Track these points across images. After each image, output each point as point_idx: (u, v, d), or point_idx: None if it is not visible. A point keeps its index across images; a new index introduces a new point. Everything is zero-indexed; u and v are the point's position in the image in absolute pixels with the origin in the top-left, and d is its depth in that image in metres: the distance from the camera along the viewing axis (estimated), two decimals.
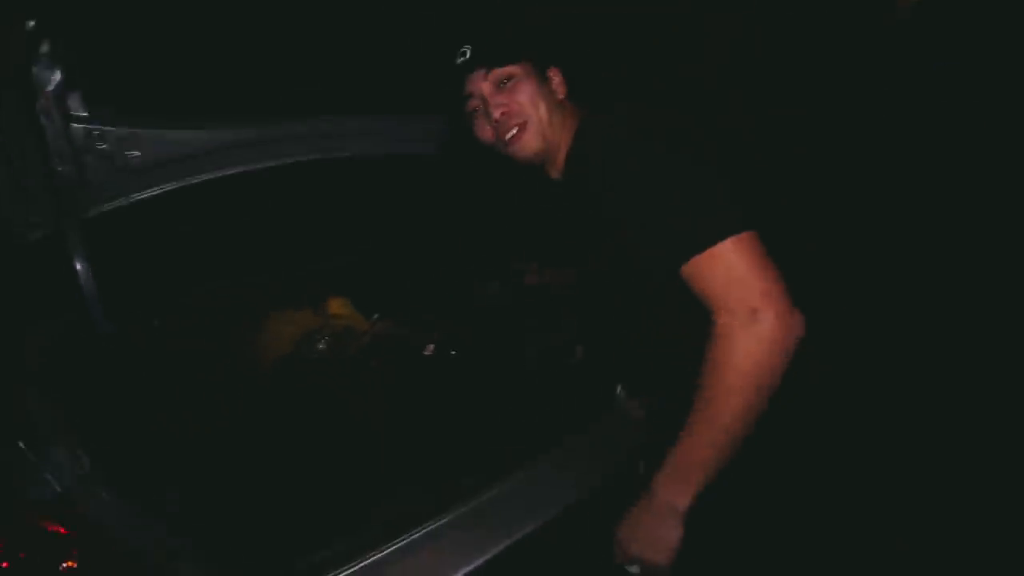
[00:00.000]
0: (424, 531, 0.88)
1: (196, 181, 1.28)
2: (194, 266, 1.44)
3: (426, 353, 1.52)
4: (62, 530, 0.75)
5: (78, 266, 1.04)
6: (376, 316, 1.70)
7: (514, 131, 0.97)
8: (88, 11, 1.16)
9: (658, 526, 0.83)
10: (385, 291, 1.73)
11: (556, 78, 1.02)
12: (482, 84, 0.96)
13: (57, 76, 1.08)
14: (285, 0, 1.46)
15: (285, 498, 1.04)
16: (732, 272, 0.76)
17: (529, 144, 0.98)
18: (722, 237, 0.76)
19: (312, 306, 1.72)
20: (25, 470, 0.80)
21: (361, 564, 0.83)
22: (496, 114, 0.96)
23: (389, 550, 0.85)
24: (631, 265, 0.91)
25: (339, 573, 0.82)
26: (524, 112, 0.96)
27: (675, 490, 0.82)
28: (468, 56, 0.96)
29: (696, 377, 0.80)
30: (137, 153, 1.22)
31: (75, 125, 1.14)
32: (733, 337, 0.76)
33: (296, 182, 1.49)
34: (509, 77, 0.97)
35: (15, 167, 1.10)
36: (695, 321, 0.80)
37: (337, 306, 1.75)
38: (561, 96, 1.02)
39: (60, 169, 1.11)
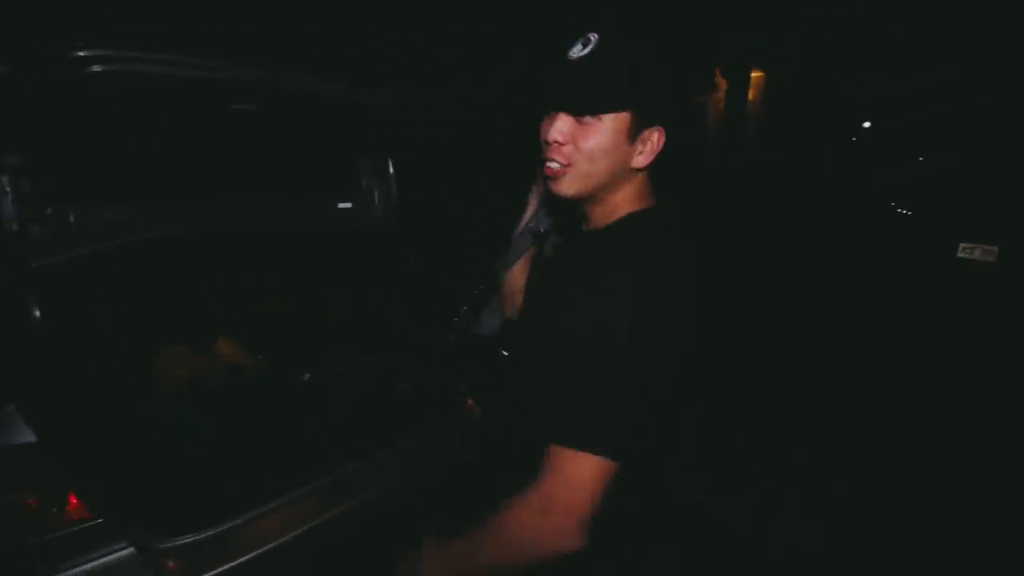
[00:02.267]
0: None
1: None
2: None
3: (304, 379, 1.95)
4: None
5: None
6: (261, 357, 2.08)
7: (555, 166, 0.88)
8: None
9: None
10: (270, 332, 2.10)
11: (650, 144, 0.87)
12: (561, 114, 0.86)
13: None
14: None
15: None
16: (572, 477, 0.78)
17: (561, 186, 0.88)
18: (594, 449, 0.77)
19: (202, 347, 2.04)
20: None
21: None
22: (548, 138, 0.87)
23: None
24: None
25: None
26: (576, 160, 0.86)
27: (452, 560, 0.92)
28: (591, 49, 0.82)
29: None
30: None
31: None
32: (525, 507, 0.81)
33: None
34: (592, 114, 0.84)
35: None
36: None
37: (226, 346, 2.09)
38: (642, 164, 0.88)
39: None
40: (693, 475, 2.49)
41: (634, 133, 0.85)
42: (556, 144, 0.86)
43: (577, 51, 0.83)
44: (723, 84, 9.38)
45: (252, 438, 1.62)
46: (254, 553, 1.32)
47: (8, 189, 1.38)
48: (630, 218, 0.91)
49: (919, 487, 2.37)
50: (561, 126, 0.85)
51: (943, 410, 2.96)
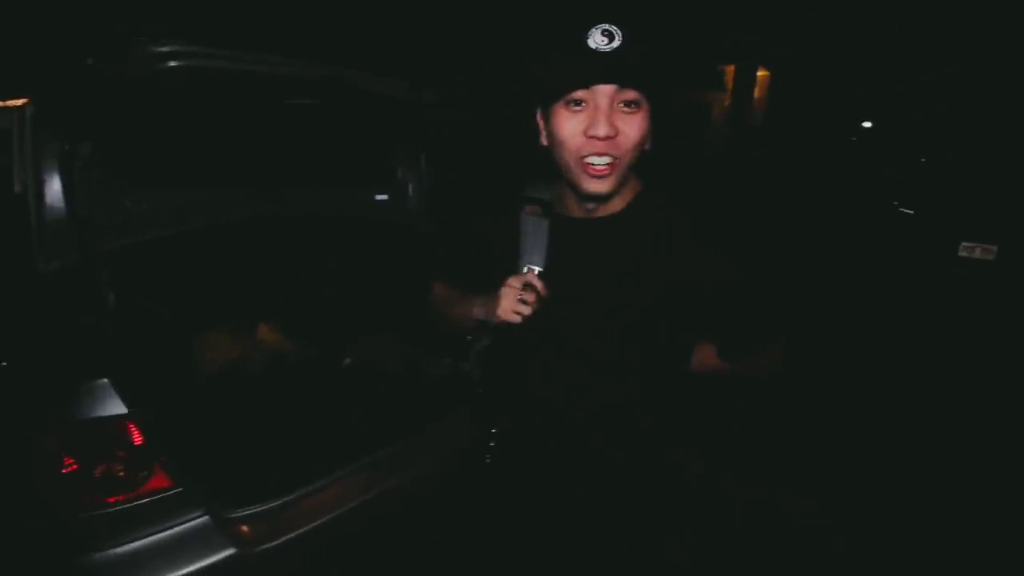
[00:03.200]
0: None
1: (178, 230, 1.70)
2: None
3: (345, 363, 2.03)
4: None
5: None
6: (299, 342, 2.15)
7: (606, 164, 0.85)
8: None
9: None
10: (310, 317, 2.18)
11: (648, 128, 0.87)
12: (608, 97, 0.82)
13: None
14: None
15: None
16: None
17: (604, 187, 0.88)
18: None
19: (244, 330, 2.12)
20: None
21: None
22: (601, 133, 0.82)
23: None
24: (646, 316, 0.94)
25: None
26: (627, 150, 0.85)
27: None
28: (618, 45, 0.80)
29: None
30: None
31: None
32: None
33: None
34: (636, 102, 0.83)
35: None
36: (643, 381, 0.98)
37: (266, 331, 2.17)
38: (649, 147, 0.90)
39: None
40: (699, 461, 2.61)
41: (651, 117, 0.87)
42: (607, 139, 0.83)
43: (604, 44, 0.80)
44: (729, 84, 9.48)
45: (304, 420, 1.71)
46: (313, 524, 1.41)
47: (80, 177, 1.45)
48: (643, 196, 0.97)
49: (918, 479, 2.46)
50: (611, 120, 0.82)
51: (942, 404, 3.07)
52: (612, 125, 0.82)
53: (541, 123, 0.93)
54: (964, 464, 2.54)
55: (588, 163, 0.86)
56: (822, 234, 5.76)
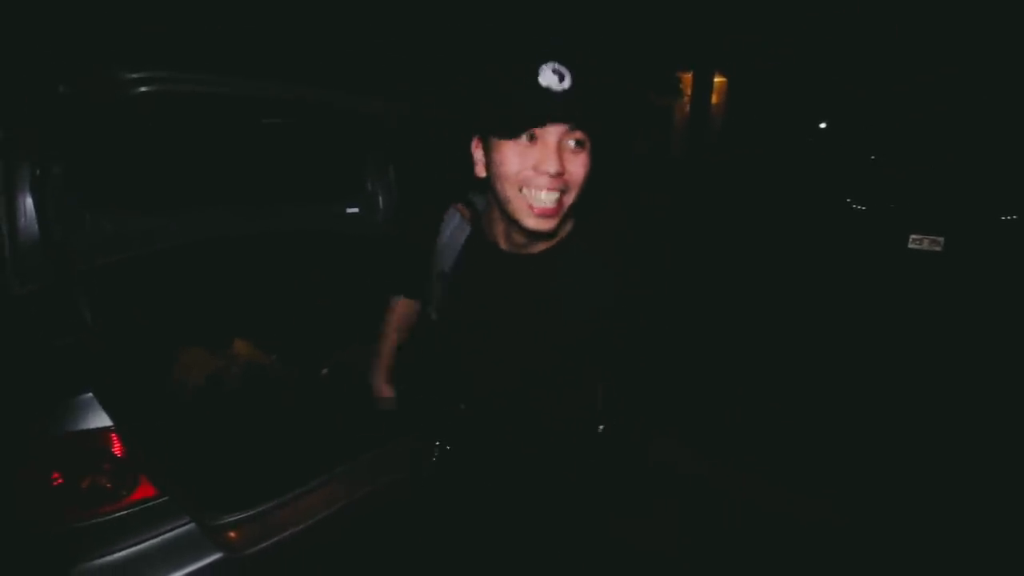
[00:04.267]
0: None
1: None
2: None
3: (323, 373, 2.08)
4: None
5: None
6: (275, 356, 2.19)
7: (554, 203, 0.85)
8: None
9: None
10: (286, 330, 2.21)
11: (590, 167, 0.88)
12: (557, 136, 0.83)
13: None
14: None
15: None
16: None
17: (552, 224, 0.87)
18: None
19: (221, 345, 2.14)
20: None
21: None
22: (552, 170, 0.82)
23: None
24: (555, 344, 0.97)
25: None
26: (573, 187, 0.86)
27: None
28: (568, 86, 0.80)
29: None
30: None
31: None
32: None
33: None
34: (582, 142, 0.85)
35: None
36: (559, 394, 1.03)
37: (241, 346, 2.19)
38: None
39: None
40: (690, 449, 2.72)
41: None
42: (557, 176, 0.83)
43: (556, 83, 0.80)
44: (687, 89, 9.80)
45: (284, 429, 1.75)
46: (297, 528, 1.46)
47: (53, 198, 1.48)
48: (574, 233, 0.98)
49: (883, 470, 2.57)
50: (558, 155, 0.83)
51: (899, 392, 3.24)
52: (561, 163, 0.83)
53: (479, 153, 0.91)
54: (928, 453, 2.64)
55: (535, 201, 0.85)
56: (783, 233, 6.00)
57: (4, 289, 1.46)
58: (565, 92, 0.81)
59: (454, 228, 1.05)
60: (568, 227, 0.97)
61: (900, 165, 5.38)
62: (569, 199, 0.87)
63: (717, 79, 9.97)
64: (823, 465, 2.59)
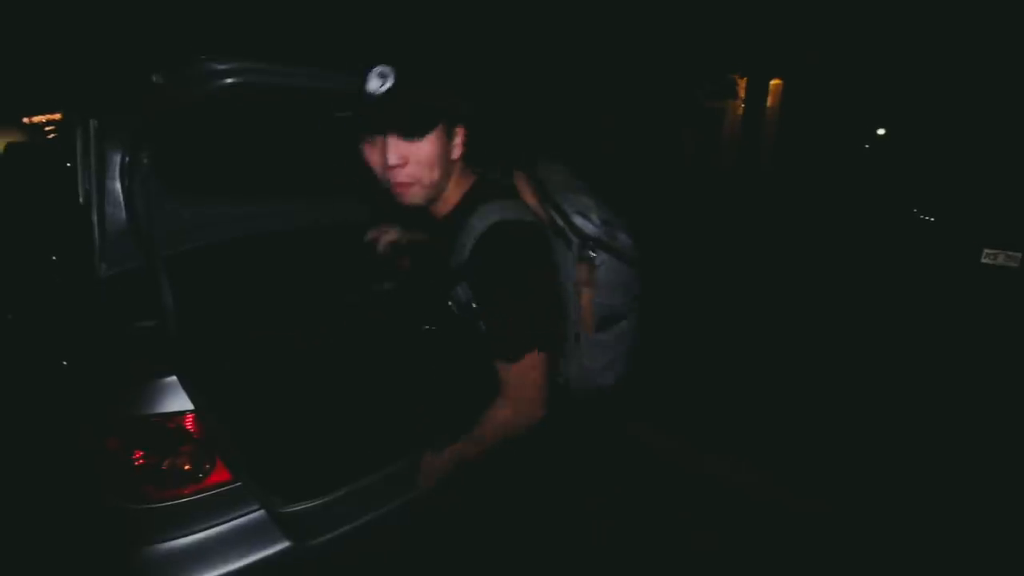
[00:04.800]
0: None
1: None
2: None
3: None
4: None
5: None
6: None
7: (405, 177, 0.96)
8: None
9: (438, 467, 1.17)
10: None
11: (459, 138, 1.02)
12: (391, 140, 0.94)
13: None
14: None
15: None
16: (522, 374, 0.99)
17: (413, 198, 1.00)
18: (530, 351, 0.97)
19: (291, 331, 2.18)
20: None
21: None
22: (390, 163, 0.94)
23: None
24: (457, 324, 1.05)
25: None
26: (418, 176, 0.96)
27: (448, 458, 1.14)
28: (389, 87, 0.89)
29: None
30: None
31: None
32: (499, 409, 1.03)
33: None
34: (413, 135, 0.95)
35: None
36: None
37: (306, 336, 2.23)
38: (459, 155, 1.03)
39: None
40: (677, 436, 2.75)
41: (448, 135, 0.99)
42: (398, 167, 0.95)
43: (377, 86, 0.90)
44: (742, 92, 9.54)
45: (356, 417, 1.76)
46: (364, 519, 1.46)
47: (141, 185, 1.52)
48: (468, 197, 1.04)
49: (934, 483, 2.44)
50: (396, 150, 0.94)
51: (963, 411, 3.04)
52: (398, 154, 0.93)
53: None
54: (979, 471, 2.51)
55: (394, 184, 0.97)
56: (840, 242, 5.76)
57: (91, 272, 1.51)
58: (384, 95, 0.90)
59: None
60: (463, 188, 1.06)
61: (973, 173, 5.09)
62: (419, 170, 0.96)
63: (773, 81, 9.67)
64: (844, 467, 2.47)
